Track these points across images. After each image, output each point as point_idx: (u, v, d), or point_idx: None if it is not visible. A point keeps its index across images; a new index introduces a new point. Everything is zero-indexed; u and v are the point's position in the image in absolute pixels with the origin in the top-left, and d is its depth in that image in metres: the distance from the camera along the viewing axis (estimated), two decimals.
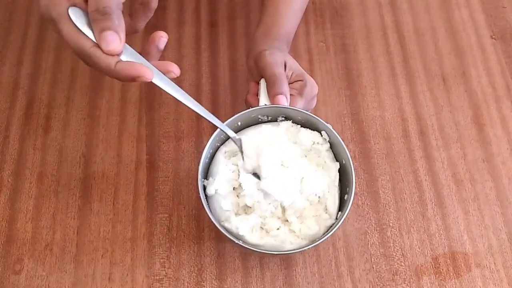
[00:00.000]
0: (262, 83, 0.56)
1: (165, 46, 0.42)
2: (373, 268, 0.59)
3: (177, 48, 0.73)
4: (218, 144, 0.55)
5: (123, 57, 0.39)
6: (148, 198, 0.62)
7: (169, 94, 0.42)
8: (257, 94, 0.58)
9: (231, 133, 0.52)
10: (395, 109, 0.69)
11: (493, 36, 0.76)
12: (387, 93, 0.70)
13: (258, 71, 0.58)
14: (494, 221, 0.62)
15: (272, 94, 0.54)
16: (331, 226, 0.51)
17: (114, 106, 0.68)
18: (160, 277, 0.58)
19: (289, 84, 0.56)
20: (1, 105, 0.68)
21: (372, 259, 0.59)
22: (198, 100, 0.68)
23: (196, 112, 0.46)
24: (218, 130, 0.52)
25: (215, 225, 0.49)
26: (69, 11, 0.38)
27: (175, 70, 0.42)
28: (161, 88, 0.41)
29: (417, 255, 0.60)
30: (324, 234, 0.51)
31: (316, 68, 0.72)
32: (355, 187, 0.52)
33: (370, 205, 0.62)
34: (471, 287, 0.58)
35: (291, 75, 0.57)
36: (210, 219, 0.49)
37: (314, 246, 0.50)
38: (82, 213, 0.61)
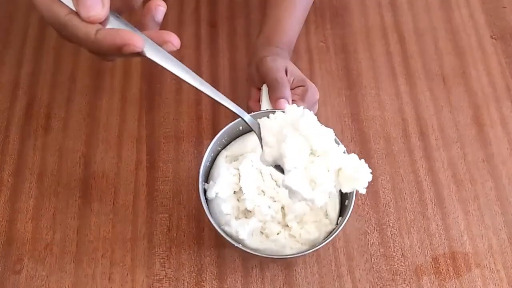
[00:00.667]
0: (264, 88, 0.56)
1: None
2: (373, 268, 0.59)
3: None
4: (219, 148, 0.55)
5: (108, 27, 0.33)
6: (148, 198, 0.62)
7: (168, 70, 0.35)
8: (259, 100, 0.57)
9: (246, 116, 0.45)
10: (395, 109, 0.69)
11: (493, 36, 0.76)
12: (387, 93, 0.70)
13: (259, 77, 0.57)
14: (494, 221, 0.62)
15: (274, 99, 0.54)
16: (332, 232, 0.51)
17: (114, 107, 0.68)
18: (160, 277, 0.58)
19: (290, 89, 0.56)
20: (1, 105, 0.68)
21: (372, 259, 0.59)
22: (198, 100, 0.69)
23: (202, 91, 0.39)
24: (219, 134, 0.52)
25: (215, 228, 0.49)
26: None
27: (174, 40, 0.35)
28: (157, 63, 0.34)
29: (417, 255, 0.59)
30: (324, 239, 0.51)
31: (316, 68, 0.72)
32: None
33: (370, 205, 0.62)
34: (471, 287, 0.58)
35: (293, 80, 0.57)
36: (210, 222, 0.49)
37: (313, 251, 0.50)
38: (82, 213, 0.61)
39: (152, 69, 0.71)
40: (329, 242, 0.50)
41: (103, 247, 0.59)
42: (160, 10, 0.35)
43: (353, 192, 0.51)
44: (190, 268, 0.58)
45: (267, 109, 0.54)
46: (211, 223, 0.49)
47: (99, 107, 0.68)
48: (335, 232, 0.50)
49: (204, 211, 0.49)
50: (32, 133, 0.66)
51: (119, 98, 0.69)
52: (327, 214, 0.53)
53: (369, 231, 0.61)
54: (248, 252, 0.49)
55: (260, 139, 0.45)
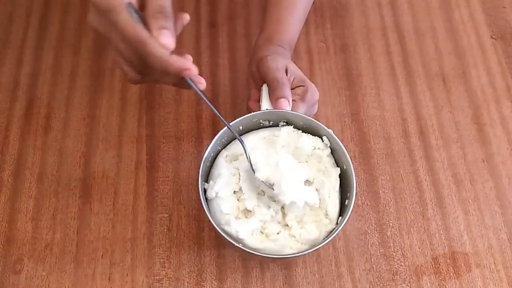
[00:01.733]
0: (264, 88, 0.56)
1: None
2: (373, 268, 0.59)
3: (177, 48, 0.73)
4: (219, 148, 0.55)
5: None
6: (148, 198, 0.62)
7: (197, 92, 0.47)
8: (259, 100, 0.57)
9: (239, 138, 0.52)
10: (395, 109, 0.69)
11: (493, 36, 0.76)
12: (387, 93, 0.70)
13: (260, 76, 0.57)
14: (494, 221, 0.62)
15: (274, 98, 0.54)
16: (332, 231, 0.51)
17: (114, 106, 0.68)
18: (160, 277, 0.58)
19: (291, 89, 0.55)
20: (1, 105, 0.68)
21: (372, 259, 0.59)
22: (198, 100, 0.69)
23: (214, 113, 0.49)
24: (219, 134, 0.52)
25: (215, 228, 0.49)
26: (127, 6, 0.42)
27: (203, 82, 0.48)
28: (192, 87, 0.47)
29: (417, 255, 0.60)
30: (324, 239, 0.51)
31: (316, 68, 0.72)
32: (356, 188, 0.52)
33: (370, 205, 0.62)
34: (471, 287, 0.58)
35: (293, 80, 0.57)
36: (210, 222, 0.49)
37: (313, 251, 0.50)
38: (82, 213, 0.61)
39: None
40: (329, 242, 0.50)
41: (103, 247, 0.59)
42: (185, 20, 0.47)
43: (353, 192, 0.51)
44: (190, 268, 0.58)
45: (267, 109, 0.54)
46: (211, 223, 0.49)
47: (99, 107, 0.68)
48: (335, 232, 0.50)
49: (204, 211, 0.49)
50: (32, 133, 0.66)
51: (119, 98, 0.69)
52: (327, 214, 0.52)
53: (369, 231, 0.61)
54: (248, 252, 0.49)
55: (248, 157, 0.52)
